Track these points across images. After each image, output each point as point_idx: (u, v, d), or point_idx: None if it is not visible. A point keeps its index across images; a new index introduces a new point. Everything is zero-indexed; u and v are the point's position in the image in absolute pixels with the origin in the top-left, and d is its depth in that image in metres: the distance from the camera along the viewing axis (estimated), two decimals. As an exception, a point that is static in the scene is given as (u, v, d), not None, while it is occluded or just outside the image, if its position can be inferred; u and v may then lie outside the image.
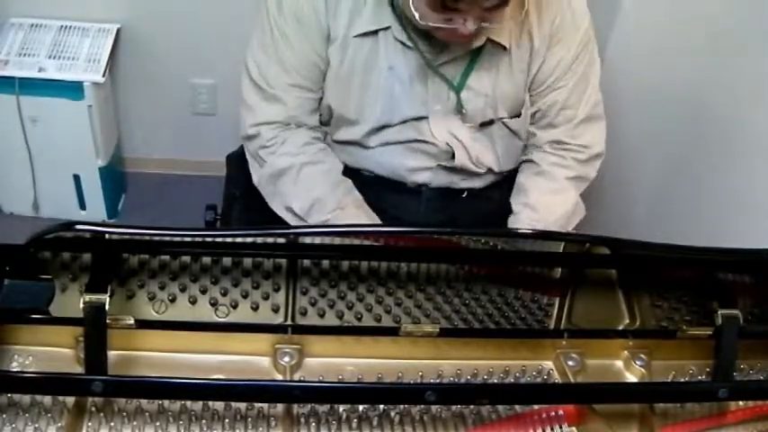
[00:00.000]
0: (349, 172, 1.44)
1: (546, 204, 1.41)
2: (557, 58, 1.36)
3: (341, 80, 1.35)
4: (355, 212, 1.35)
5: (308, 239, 1.01)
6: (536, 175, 1.44)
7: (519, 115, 1.41)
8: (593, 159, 1.45)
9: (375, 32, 1.30)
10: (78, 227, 0.87)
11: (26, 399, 0.92)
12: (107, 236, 0.93)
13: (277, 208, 1.39)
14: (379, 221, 1.39)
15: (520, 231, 1.29)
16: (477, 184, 1.47)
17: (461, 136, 1.39)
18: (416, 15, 1.18)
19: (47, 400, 0.92)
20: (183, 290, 1.01)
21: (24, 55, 2.10)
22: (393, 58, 1.32)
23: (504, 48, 1.32)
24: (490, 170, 1.45)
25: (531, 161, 1.46)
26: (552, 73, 1.37)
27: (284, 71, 1.34)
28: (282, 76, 1.34)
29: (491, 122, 1.40)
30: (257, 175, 1.42)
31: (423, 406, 0.98)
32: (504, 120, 1.40)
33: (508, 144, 1.44)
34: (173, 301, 1.02)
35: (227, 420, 0.95)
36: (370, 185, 1.44)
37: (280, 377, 1.01)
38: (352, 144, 1.42)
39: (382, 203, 1.44)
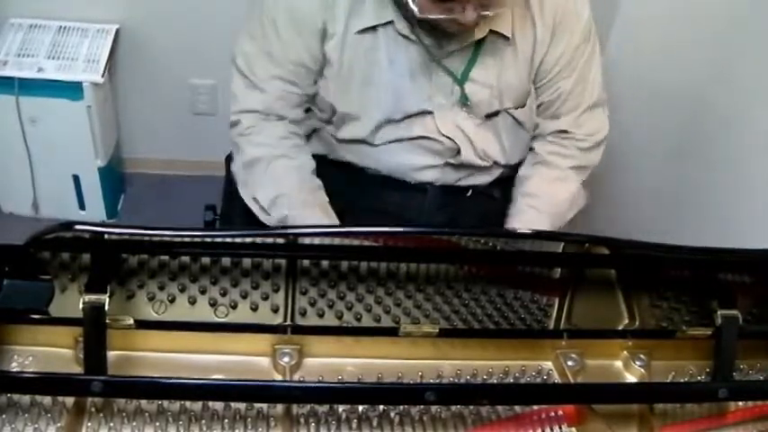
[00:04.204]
0: (353, 171, 1.44)
1: (546, 191, 1.41)
2: (560, 49, 1.36)
3: (342, 77, 1.34)
4: (319, 215, 1.34)
5: (307, 240, 1.01)
6: (536, 165, 1.45)
7: (524, 105, 1.41)
8: (597, 146, 1.46)
9: (374, 28, 1.30)
10: (78, 227, 0.87)
11: (26, 399, 0.92)
12: (106, 236, 0.93)
13: (245, 197, 1.39)
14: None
15: (520, 231, 1.29)
16: (482, 180, 1.47)
17: (466, 129, 1.38)
18: (416, 9, 1.18)
19: (47, 400, 0.92)
20: (182, 290, 1.01)
21: (24, 55, 2.10)
22: (394, 53, 1.31)
23: (507, 38, 1.32)
24: (496, 163, 1.45)
25: (531, 150, 1.47)
26: (556, 63, 1.37)
27: (270, 62, 1.34)
28: (267, 67, 1.34)
29: (496, 113, 1.39)
30: (235, 164, 1.43)
31: (423, 406, 0.98)
32: (510, 110, 1.40)
33: (514, 135, 1.44)
34: (172, 301, 1.01)
35: (226, 420, 0.95)
36: (375, 184, 1.44)
37: (279, 377, 1.01)
38: (358, 142, 1.41)
39: (386, 202, 1.44)
